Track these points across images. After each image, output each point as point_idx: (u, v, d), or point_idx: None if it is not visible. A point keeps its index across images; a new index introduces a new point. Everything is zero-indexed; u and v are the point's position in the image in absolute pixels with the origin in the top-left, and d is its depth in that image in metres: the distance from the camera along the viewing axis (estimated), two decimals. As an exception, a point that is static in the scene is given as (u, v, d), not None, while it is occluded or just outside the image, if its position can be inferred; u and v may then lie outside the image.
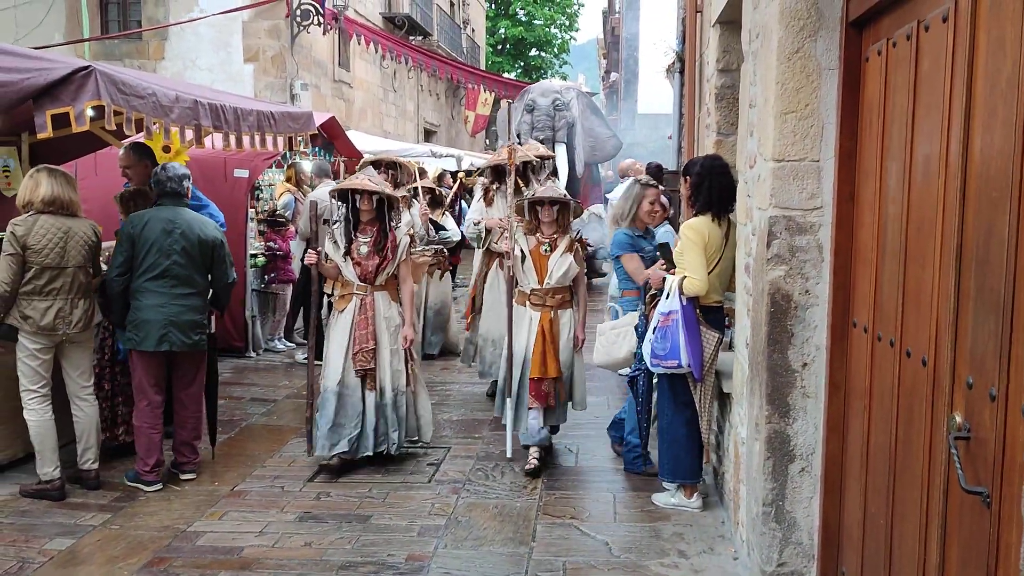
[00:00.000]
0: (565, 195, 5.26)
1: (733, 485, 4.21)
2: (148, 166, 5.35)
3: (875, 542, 2.87)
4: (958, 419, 2.22)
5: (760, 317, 3.48)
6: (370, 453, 5.14)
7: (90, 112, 4.54)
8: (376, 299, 5.13)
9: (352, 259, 5.10)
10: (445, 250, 8.23)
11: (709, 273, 4.35)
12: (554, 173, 6.99)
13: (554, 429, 5.46)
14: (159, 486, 4.87)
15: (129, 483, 4.90)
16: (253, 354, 8.32)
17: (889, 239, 2.78)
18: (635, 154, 18.24)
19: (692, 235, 4.33)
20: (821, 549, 3.37)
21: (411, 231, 5.28)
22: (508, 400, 5.28)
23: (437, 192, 8.67)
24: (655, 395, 4.86)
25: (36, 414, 4.66)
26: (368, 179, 5.12)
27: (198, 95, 5.48)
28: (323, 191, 7.29)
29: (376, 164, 6.81)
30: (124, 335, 4.86)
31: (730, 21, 4.91)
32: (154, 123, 4.80)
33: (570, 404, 5.41)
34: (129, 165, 5.50)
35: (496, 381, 6.29)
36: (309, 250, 5.22)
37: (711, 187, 4.42)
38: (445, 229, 8.31)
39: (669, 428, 4.61)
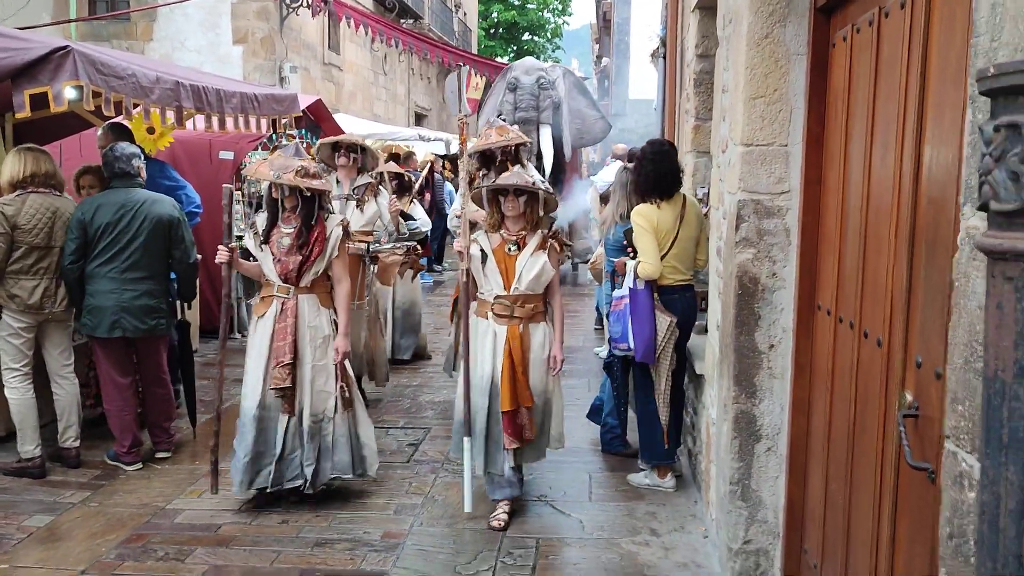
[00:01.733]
0: (534, 182, 4.26)
1: (705, 465, 4.27)
2: None
3: (835, 519, 2.93)
4: (908, 397, 2.28)
5: (729, 300, 3.53)
6: (295, 485, 4.34)
7: (70, 93, 4.54)
8: (300, 304, 4.27)
9: (272, 253, 4.28)
10: (418, 246, 7.25)
11: (665, 255, 4.49)
12: (538, 158, 6.76)
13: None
14: (139, 465, 4.92)
15: (110, 461, 4.94)
16: (238, 335, 8.35)
17: (850, 223, 2.83)
18: (626, 139, 18.23)
19: (641, 221, 4.51)
20: (786, 527, 3.43)
21: (345, 222, 4.42)
22: (467, 440, 4.23)
23: (405, 177, 8.06)
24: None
25: (17, 392, 4.69)
26: (299, 164, 4.21)
27: (180, 76, 5.48)
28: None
29: (336, 146, 6.01)
30: (81, 321, 4.84)
31: (708, 7, 4.94)
32: (134, 104, 4.81)
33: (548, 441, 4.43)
34: (105, 145, 5.51)
35: None
36: (220, 246, 4.27)
37: (647, 173, 4.58)
38: (413, 219, 7.54)
39: (642, 411, 4.69)
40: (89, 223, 4.68)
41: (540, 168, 9.71)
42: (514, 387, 4.16)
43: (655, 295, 4.49)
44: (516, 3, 36.68)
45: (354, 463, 4.41)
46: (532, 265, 4.17)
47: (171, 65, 7.33)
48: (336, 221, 4.39)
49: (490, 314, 4.23)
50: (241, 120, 6.17)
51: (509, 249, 4.20)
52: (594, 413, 5.48)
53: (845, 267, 2.89)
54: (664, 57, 7.09)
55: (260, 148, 9.28)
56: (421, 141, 14.58)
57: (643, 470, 4.76)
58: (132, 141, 5.49)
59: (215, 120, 5.82)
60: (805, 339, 3.30)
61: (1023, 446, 0.83)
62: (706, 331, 4.58)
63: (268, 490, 4.30)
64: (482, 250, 4.23)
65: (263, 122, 6.62)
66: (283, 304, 4.27)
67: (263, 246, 4.31)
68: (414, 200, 7.97)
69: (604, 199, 7.55)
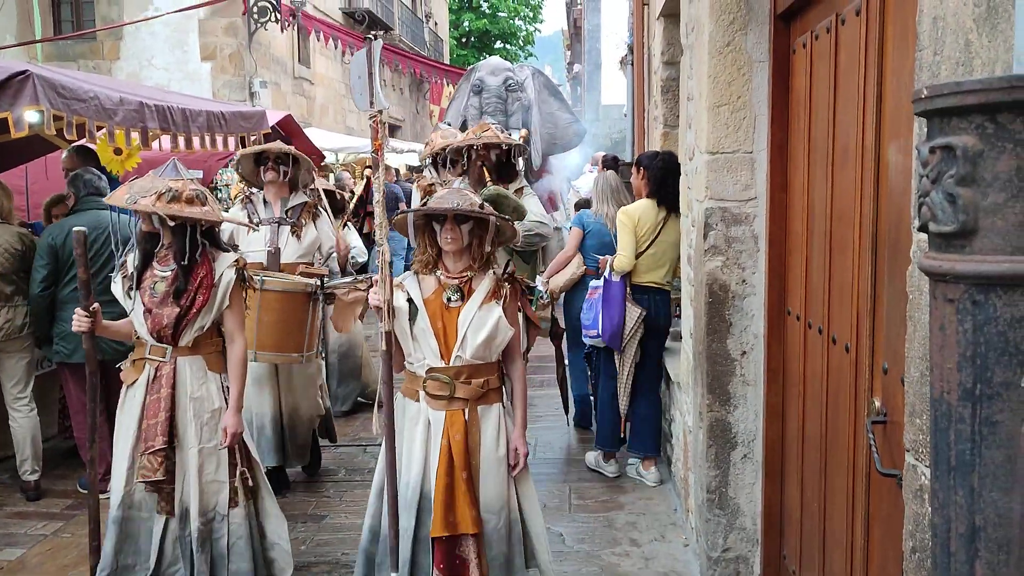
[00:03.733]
0: (480, 205, 3.04)
1: (683, 474, 4.27)
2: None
3: (811, 526, 2.93)
4: (877, 403, 2.28)
5: (700, 307, 3.53)
6: None
7: (31, 117, 4.48)
8: (180, 369, 3.33)
9: (142, 303, 3.32)
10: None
11: (642, 253, 4.72)
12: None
13: None
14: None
15: (82, 490, 4.86)
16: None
17: (816, 229, 2.84)
18: (600, 146, 18.24)
19: (624, 219, 4.73)
20: (764, 534, 3.43)
21: (241, 262, 3.42)
22: None
23: (337, 196, 6.66)
24: None
25: None
26: (166, 186, 3.25)
27: (144, 97, 5.42)
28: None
29: (260, 158, 4.85)
30: (52, 349, 4.74)
31: (673, 14, 4.95)
32: (97, 127, 4.75)
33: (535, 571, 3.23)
34: (70, 167, 5.44)
35: None
36: (77, 310, 3.30)
37: (674, 184, 4.61)
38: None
39: (604, 396, 5.04)
40: (61, 248, 4.61)
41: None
42: (451, 502, 2.96)
43: (628, 290, 4.75)
44: (487, 11, 36.75)
45: (256, 569, 3.47)
46: (481, 322, 2.98)
47: (136, 85, 7.27)
48: (228, 261, 3.37)
49: (421, 394, 3.05)
50: (208, 139, 6.10)
51: (448, 299, 3.01)
52: (583, 416, 5.79)
53: (812, 273, 2.89)
54: (632, 64, 7.11)
55: (229, 165, 9.22)
56: (394, 153, 14.54)
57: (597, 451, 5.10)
58: (97, 163, 5.43)
59: (181, 140, 5.76)
60: (776, 345, 3.31)
61: (970, 469, 0.82)
62: (681, 338, 4.62)
63: None
64: (410, 300, 3.02)
65: (231, 140, 6.56)
66: (157, 370, 3.32)
67: (132, 293, 3.33)
68: (347, 224, 6.67)
69: (579, 206, 7.59)
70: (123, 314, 3.48)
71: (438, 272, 3.07)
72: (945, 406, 0.84)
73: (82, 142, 5.68)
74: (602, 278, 4.82)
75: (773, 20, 3.22)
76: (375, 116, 2.99)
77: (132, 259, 3.39)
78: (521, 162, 4.85)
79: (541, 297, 5.61)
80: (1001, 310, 0.80)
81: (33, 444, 4.79)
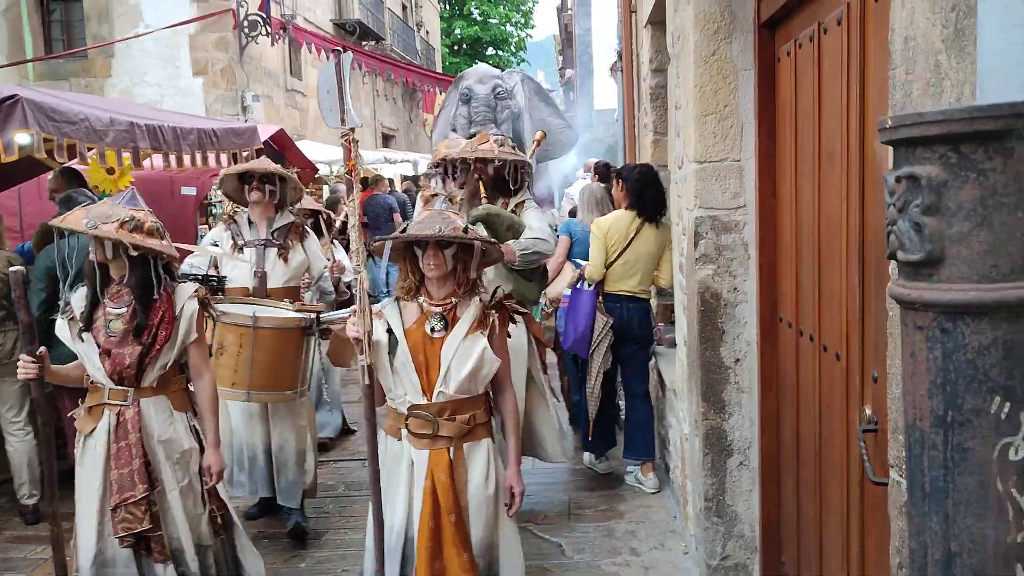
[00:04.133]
0: (464, 228, 2.86)
1: (681, 481, 4.27)
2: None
3: (808, 533, 2.93)
4: (868, 412, 2.28)
5: (693, 316, 3.54)
6: None
7: (22, 139, 4.48)
8: (145, 412, 3.10)
9: (96, 343, 3.07)
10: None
11: (612, 263, 4.83)
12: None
13: None
14: (111, 514, 4.84)
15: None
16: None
17: (805, 237, 2.84)
18: (594, 151, 18.20)
19: (595, 229, 4.89)
20: (762, 541, 3.43)
21: (200, 292, 3.20)
22: None
23: (324, 215, 6.36)
24: None
25: None
26: (128, 214, 3.02)
27: (135, 116, 5.44)
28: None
29: (244, 177, 4.60)
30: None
31: (659, 22, 4.97)
32: (88, 148, 4.76)
33: None
34: (56, 189, 5.42)
35: None
36: (23, 356, 3.03)
37: (652, 195, 4.82)
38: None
39: (580, 402, 5.22)
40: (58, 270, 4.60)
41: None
42: (436, 548, 2.79)
43: (600, 299, 4.88)
44: (478, 18, 36.83)
45: None
46: (465, 354, 2.79)
47: (126, 104, 7.28)
48: (188, 292, 3.16)
49: (404, 432, 2.87)
50: (199, 156, 6.12)
51: (432, 329, 2.81)
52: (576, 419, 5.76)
53: (802, 280, 2.90)
54: (621, 71, 7.13)
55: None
56: (387, 164, 14.56)
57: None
58: (84, 185, 5.42)
59: (172, 158, 5.78)
60: (770, 352, 3.31)
61: (944, 495, 0.83)
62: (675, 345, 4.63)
63: None
64: (389, 331, 2.82)
65: (223, 156, 6.57)
66: (119, 415, 3.08)
67: (83, 335, 3.07)
68: (334, 242, 6.25)
69: (572, 213, 7.61)
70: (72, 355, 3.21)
71: (421, 299, 2.88)
72: (918, 432, 0.85)
73: (72, 163, 5.68)
74: (573, 287, 5.00)
75: (757, 28, 3.23)
76: (347, 135, 2.81)
77: (79, 298, 3.13)
78: (526, 177, 4.45)
79: (543, 308, 5.68)
80: (969, 338, 0.81)
81: (30, 468, 4.78)
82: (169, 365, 3.14)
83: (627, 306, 4.90)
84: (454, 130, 9.03)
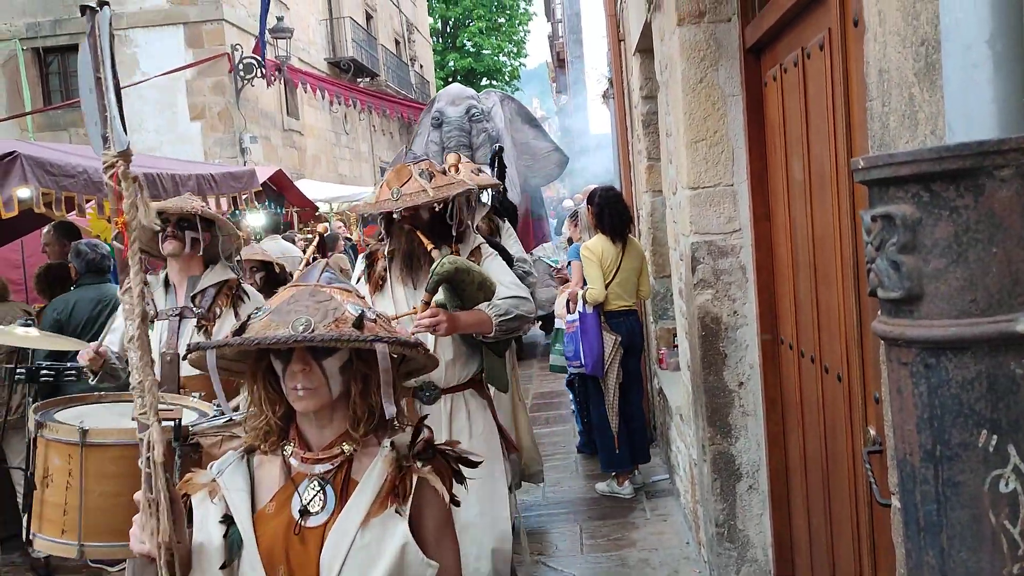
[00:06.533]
0: (359, 316, 1.59)
1: (692, 506, 4.25)
2: (66, 245, 5.23)
3: (820, 555, 2.91)
4: (872, 432, 2.28)
5: (694, 341, 3.54)
6: None
7: (23, 194, 4.53)
8: None
9: None
10: None
11: (610, 283, 4.97)
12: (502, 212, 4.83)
13: None
14: (122, 567, 4.81)
15: (92, 565, 4.83)
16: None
17: (800, 258, 2.85)
18: (592, 174, 18.19)
19: (587, 254, 5.01)
20: (775, 564, 3.41)
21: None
22: None
23: (276, 268, 5.14)
24: None
25: None
26: None
27: (134, 166, 5.48)
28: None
29: (163, 216, 3.37)
30: None
31: (648, 49, 5.01)
32: (86, 200, 4.81)
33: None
34: (48, 243, 5.46)
35: None
36: None
37: (611, 215, 5.02)
38: None
39: (598, 421, 5.18)
40: (66, 322, 4.62)
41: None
42: None
43: (602, 318, 5.01)
44: (471, 50, 37.16)
45: None
46: (367, 558, 1.56)
47: (126, 153, 7.34)
48: None
49: None
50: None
51: (303, 511, 1.61)
52: (584, 445, 5.93)
53: (800, 302, 2.90)
54: (613, 98, 7.18)
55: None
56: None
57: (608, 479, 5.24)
58: (79, 237, 5.45)
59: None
60: (772, 374, 3.31)
61: (938, 529, 0.83)
62: (679, 369, 4.63)
63: None
64: (228, 520, 1.62)
65: (223, 201, 6.63)
66: None
67: None
68: None
69: (571, 240, 7.66)
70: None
71: (287, 450, 1.66)
72: (909, 467, 0.85)
73: (71, 216, 5.73)
74: (576, 311, 5.09)
75: (743, 54, 3.26)
76: (114, 163, 1.64)
77: None
78: (476, 213, 3.61)
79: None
80: (953, 373, 0.81)
81: None
82: None
83: (628, 320, 5.13)
84: (425, 157, 8.35)
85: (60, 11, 14.35)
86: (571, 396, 6.03)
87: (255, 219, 9.39)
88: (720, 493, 3.48)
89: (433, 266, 2.92)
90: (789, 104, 2.85)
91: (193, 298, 3.46)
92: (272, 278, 4.85)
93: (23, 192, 4.50)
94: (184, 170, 6.11)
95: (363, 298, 1.72)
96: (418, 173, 3.09)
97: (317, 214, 12.03)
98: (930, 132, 1.04)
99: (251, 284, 4.21)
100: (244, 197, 7.00)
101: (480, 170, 4.52)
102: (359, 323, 1.56)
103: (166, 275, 3.54)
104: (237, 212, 8.92)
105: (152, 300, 3.40)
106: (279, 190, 10.23)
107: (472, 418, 3.09)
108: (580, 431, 6.03)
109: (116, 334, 3.41)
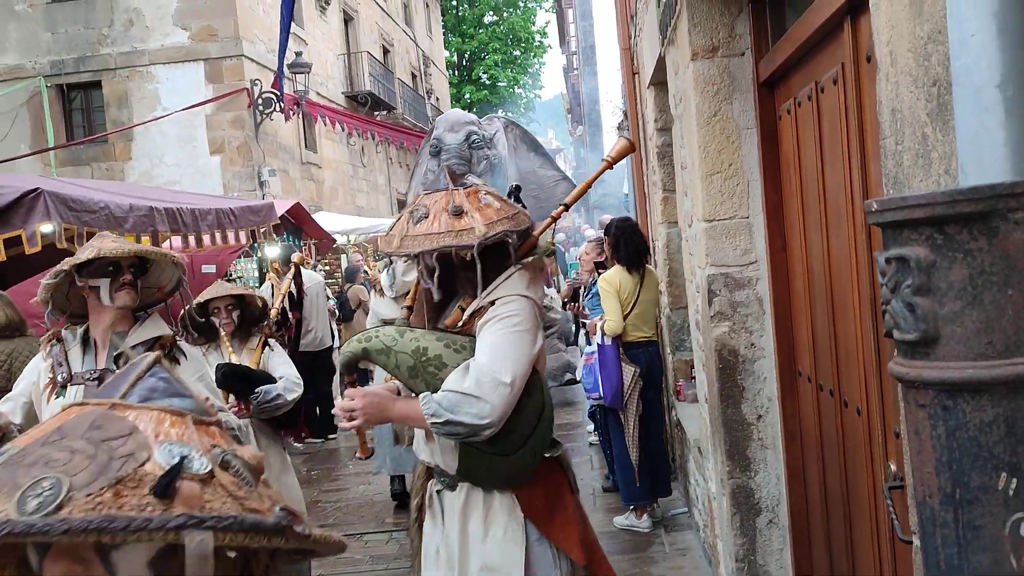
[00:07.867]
0: (167, 486, 0.82)
1: (711, 540, 4.20)
2: None
3: (842, 591, 2.87)
4: (892, 467, 2.26)
5: (712, 374, 3.52)
6: None
7: (45, 229, 4.60)
8: None
9: None
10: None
11: (629, 314, 5.02)
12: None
13: None
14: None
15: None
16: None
17: (817, 291, 2.85)
18: (609, 204, 18.24)
19: (605, 286, 5.05)
20: (797, 601, 3.36)
21: None
22: None
23: (248, 301, 4.16)
24: None
25: None
26: None
27: (155, 200, 5.57)
28: (272, 252, 7.31)
29: (107, 261, 2.76)
30: None
31: (662, 82, 5.05)
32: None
33: None
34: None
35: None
36: None
37: (627, 245, 5.10)
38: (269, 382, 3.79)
39: (618, 453, 5.19)
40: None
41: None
42: None
43: (621, 350, 5.02)
44: (487, 82, 37.53)
45: None
46: None
47: (145, 188, 7.45)
48: None
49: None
50: (219, 236, 6.24)
51: None
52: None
53: (817, 334, 2.89)
54: (627, 130, 7.22)
55: (242, 256, 9.37)
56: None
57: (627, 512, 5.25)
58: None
59: (192, 239, 5.89)
60: (791, 407, 3.29)
61: (960, 573, 0.82)
62: (696, 401, 4.60)
63: None
64: None
65: (242, 234, 6.69)
66: None
67: None
68: (268, 343, 4.08)
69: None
70: None
71: None
72: (928, 510, 0.85)
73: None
74: (594, 343, 5.14)
75: (757, 88, 3.28)
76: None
77: None
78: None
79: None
80: (971, 415, 0.81)
81: None
82: None
83: (647, 351, 5.14)
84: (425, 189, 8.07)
85: (84, 48, 14.66)
86: (592, 427, 6.06)
87: (269, 251, 9.43)
88: (740, 528, 3.44)
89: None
90: (804, 137, 2.86)
91: (116, 359, 2.79)
92: (249, 317, 4.08)
93: (46, 227, 4.56)
94: (204, 204, 6.19)
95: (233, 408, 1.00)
96: (420, 215, 2.40)
97: (335, 246, 12.04)
98: (944, 171, 1.04)
99: (227, 324, 3.91)
100: (263, 230, 7.07)
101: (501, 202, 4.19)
102: (163, 488, 0.82)
103: (86, 329, 2.87)
104: (256, 245, 9.01)
105: (66, 361, 2.85)
106: (297, 223, 10.32)
107: (490, 519, 2.32)
108: (607, 474, 5.93)
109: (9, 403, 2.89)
